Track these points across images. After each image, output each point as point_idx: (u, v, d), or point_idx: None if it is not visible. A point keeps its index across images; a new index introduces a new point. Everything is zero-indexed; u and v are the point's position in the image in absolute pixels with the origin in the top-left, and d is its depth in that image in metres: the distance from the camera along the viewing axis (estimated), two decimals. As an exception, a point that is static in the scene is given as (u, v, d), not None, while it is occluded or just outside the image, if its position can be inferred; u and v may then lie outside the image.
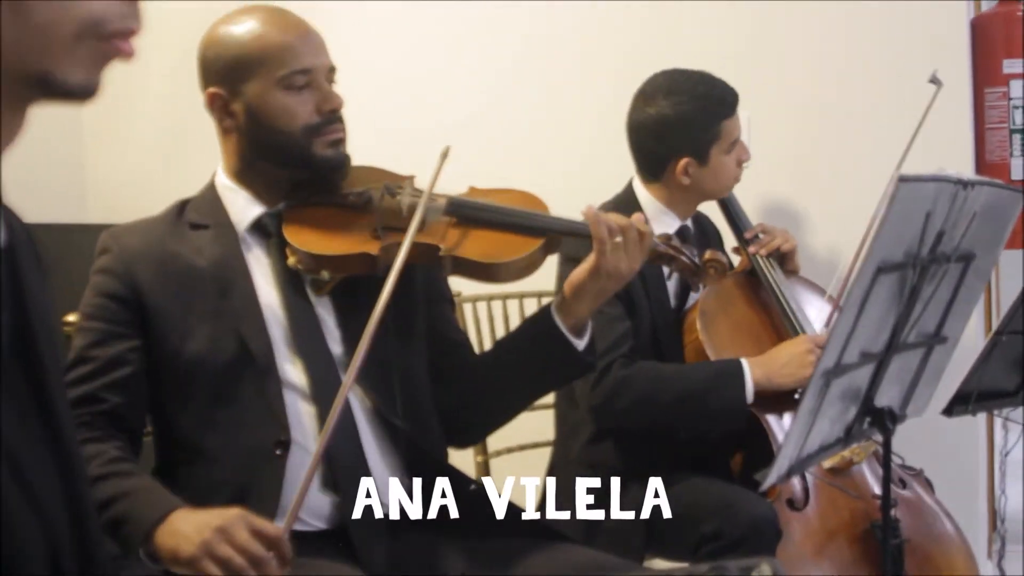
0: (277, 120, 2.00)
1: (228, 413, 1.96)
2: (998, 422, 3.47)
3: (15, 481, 1.01)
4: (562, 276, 2.63)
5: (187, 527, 1.70)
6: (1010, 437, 3.34)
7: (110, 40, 0.99)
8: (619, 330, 2.61)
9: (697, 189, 2.81)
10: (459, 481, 2.07)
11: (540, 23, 3.54)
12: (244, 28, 2.02)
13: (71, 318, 2.04)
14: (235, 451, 1.94)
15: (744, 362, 2.60)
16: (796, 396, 2.59)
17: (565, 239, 2.11)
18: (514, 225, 2.07)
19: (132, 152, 3.89)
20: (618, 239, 2.01)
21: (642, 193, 2.83)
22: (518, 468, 2.98)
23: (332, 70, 2.06)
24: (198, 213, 2.08)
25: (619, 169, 2.89)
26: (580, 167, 3.40)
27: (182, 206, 2.10)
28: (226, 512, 1.71)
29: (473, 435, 2.40)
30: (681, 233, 2.81)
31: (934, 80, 2.83)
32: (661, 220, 2.77)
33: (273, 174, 2.06)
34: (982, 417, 3.37)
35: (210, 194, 2.10)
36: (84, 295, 2.01)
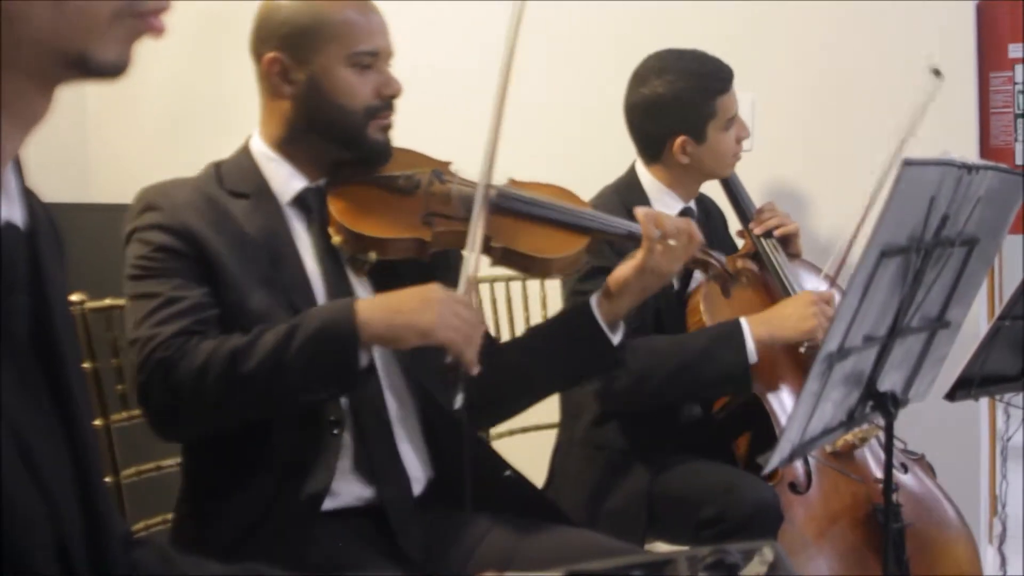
0: (339, 96, 2.00)
1: None
2: (1000, 407, 3.47)
3: (25, 467, 1.01)
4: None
5: (404, 304, 1.85)
6: (1012, 422, 3.34)
7: (144, 18, 1.00)
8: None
9: (697, 168, 2.81)
10: (487, 463, 2.09)
11: (540, 3, 3.52)
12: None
13: (74, 298, 2.04)
14: (289, 427, 1.92)
15: (743, 321, 2.58)
16: (802, 350, 2.60)
17: (605, 238, 2.16)
18: (562, 222, 2.11)
19: (135, 132, 3.89)
20: (672, 242, 2.07)
21: (644, 176, 2.83)
22: (522, 449, 2.98)
23: (391, 55, 2.06)
24: (236, 181, 2.03)
25: (621, 152, 2.89)
26: (582, 151, 3.39)
27: (217, 170, 2.06)
28: (429, 289, 1.89)
29: (496, 417, 2.40)
30: (685, 215, 2.82)
31: (936, 72, 2.82)
32: (664, 202, 2.77)
33: (320, 148, 2.04)
34: (984, 402, 3.37)
35: (247, 162, 2.06)
36: (134, 251, 1.93)
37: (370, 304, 1.85)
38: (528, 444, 3.00)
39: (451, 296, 1.86)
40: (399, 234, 2.01)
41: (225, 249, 1.93)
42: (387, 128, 2.06)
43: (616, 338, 2.12)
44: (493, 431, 2.98)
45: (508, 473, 2.11)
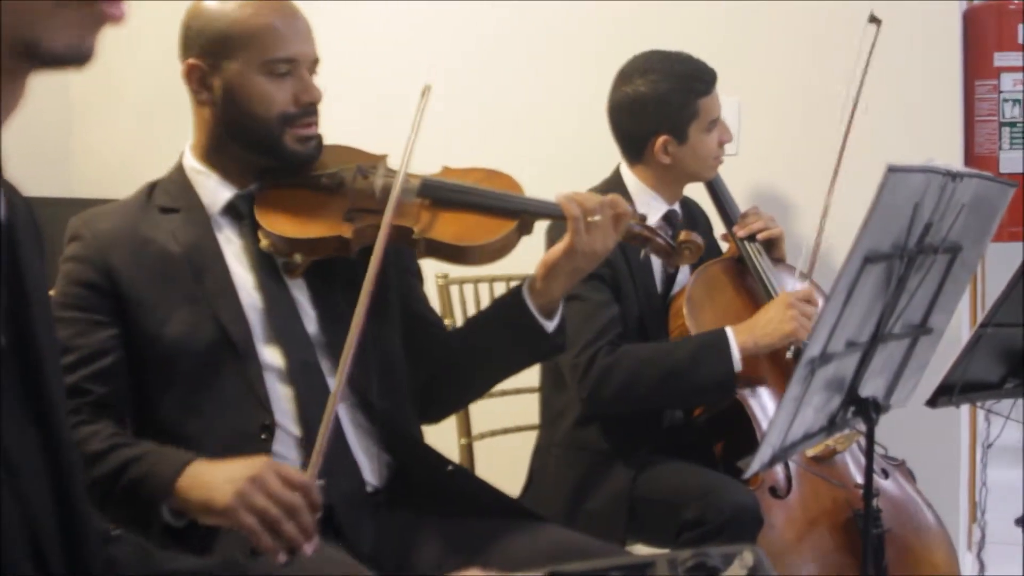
0: (253, 104, 1.98)
1: (210, 398, 1.93)
2: (980, 414, 3.48)
3: (3, 468, 1.00)
4: None
5: (217, 478, 1.70)
6: (992, 429, 3.35)
7: (94, 4, 0.98)
8: (606, 317, 2.62)
9: (679, 169, 2.81)
10: (435, 461, 2.08)
11: (526, 5, 3.52)
12: (235, 4, 1.99)
13: (53, 292, 2.03)
14: (219, 436, 1.92)
15: (728, 329, 2.60)
16: (788, 355, 2.60)
17: (541, 220, 2.11)
18: (488, 207, 2.06)
19: (119, 126, 3.88)
20: (595, 218, 2.01)
21: (629, 178, 2.83)
22: (502, 451, 2.98)
23: (316, 62, 2.04)
24: (168, 197, 2.06)
25: (606, 155, 2.89)
26: (567, 153, 3.39)
27: (151, 189, 2.08)
28: (253, 461, 1.72)
29: (444, 409, 2.37)
30: (669, 218, 2.82)
31: (873, 19, 2.84)
32: (649, 204, 2.78)
33: (243, 156, 2.04)
34: (965, 409, 3.38)
35: (179, 177, 2.07)
36: (57, 283, 1.97)
37: (197, 469, 1.75)
38: (509, 446, 3.00)
39: (273, 472, 1.67)
40: (319, 233, 1.99)
41: (143, 279, 1.95)
42: (306, 137, 2.03)
43: (551, 325, 2.08)
44: (474, 432, 2.98)
45: (450, 468, 2.09)
